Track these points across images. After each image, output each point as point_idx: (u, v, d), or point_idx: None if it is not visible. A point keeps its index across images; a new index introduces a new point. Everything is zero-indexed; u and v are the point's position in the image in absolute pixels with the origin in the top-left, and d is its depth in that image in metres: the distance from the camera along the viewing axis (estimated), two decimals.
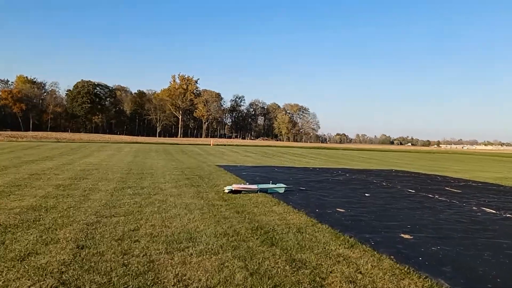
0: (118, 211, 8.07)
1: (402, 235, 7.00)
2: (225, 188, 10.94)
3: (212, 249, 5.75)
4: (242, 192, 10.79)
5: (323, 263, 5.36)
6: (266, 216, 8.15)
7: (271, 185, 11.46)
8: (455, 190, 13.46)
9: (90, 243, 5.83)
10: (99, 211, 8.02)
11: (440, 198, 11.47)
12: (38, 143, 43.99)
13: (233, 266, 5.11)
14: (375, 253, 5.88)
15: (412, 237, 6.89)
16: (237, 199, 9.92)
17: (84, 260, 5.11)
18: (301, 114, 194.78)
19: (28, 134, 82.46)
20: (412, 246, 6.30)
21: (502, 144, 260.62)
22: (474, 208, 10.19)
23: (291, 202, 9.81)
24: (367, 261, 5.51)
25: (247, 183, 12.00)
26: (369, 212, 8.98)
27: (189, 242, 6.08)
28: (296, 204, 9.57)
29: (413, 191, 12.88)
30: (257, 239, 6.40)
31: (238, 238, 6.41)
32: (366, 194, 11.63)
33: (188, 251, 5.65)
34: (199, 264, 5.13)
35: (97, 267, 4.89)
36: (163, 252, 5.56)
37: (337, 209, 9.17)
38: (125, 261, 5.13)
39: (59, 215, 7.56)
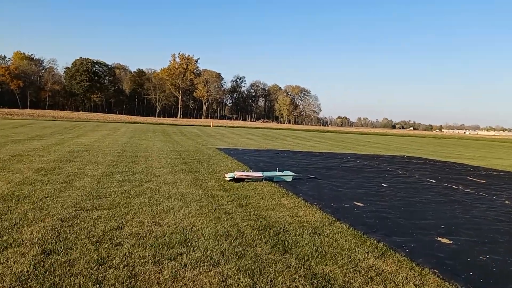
0: (102, 202, 6.91)
1: (439, 238, 5.85)
2: (226, 175, 9.77)
3: (211, 258, 4.60)
4: (245, 180, 9.62)
5: (352, 281, 4.20)
6: (275, 211, 6.99)
7: (277, 173, 10.28)
8: (479, 181, 12.29)
9: (60, 247, 4.67)
10: (80, 202, 6.86)
11: (466, 190, 10.32)
12: (32, 121, 42.71)
13: (238, 284, 3.95)
14: (414, 265, 4.72)
15: (451, 241, 5.74)
16: (240, 189, 8.75)
17: (47, 273, 3.96)
18: (303, 96, 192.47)
19: (25, 111, 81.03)
20: (455, 255, 5.14)
21: (504, 130, 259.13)
22: (507, 202, 9.05)
23: (301, 193, 8.65)
24: (406, 278, 4.36)
25: (251, 170, 10.83)
26: (392, 207, 7.82)
27: (183, 246, 4.93)
28: (307, 196, 8.40)
29: (434, 181, 11.71)
30: (266, 243, 5.24)
31: (243, 241, 5.25)
32: (383, 184, 10.47)
33: (181, 260, 4.49)
34: (194, 281, 3.97)
35: (61, 285, 3.73)
36: (150, 261, 4.40)
37: (355, 202, 8.01)
38: (100, 275, 3.98)
39: (32, 207, 6.39)
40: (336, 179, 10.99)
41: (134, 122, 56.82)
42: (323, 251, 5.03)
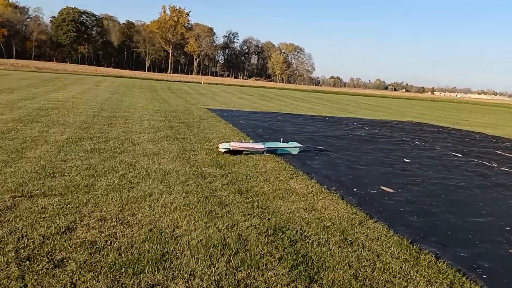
0: (56, 184, 5.16)
1: None
2: (220, 145, 8.02)
3: None
4: (244, 152, 7.89)
5: None
6: (285, 201, 5.32)
7: (282, 144, 8.56)
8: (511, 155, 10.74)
9: None
10: (25, 182, 5.11)
11: (503, 169, 8.75)
12: (11, 72, 40.03)
13: None
14: None
15: None
16: (237, 165, 7.04)
17: None
18: (296, 55, 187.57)
19: (9, 61, 77.34)
20: None
21: (495, 94, 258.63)
22: None
23: (313, 172, 6.97)
24: None
25: (250, 140, 9.09)
26: (430, 194, 6.21)
27: (158, 269, 3.26)
28: (321, 176, 6.74)
29: (461, 155, 10.11)
30: (280, 260, 3.60)
31: (247, 257, 3.59)
32: (406, 160, 8.85)
33: None
34: None
35: None
36: None
37: (382, 187, 6.38)
38: None
39: None
40: (349, 151, 9.32)
41: (121, 76, 54.13)
42: (367, 279, 3.40)
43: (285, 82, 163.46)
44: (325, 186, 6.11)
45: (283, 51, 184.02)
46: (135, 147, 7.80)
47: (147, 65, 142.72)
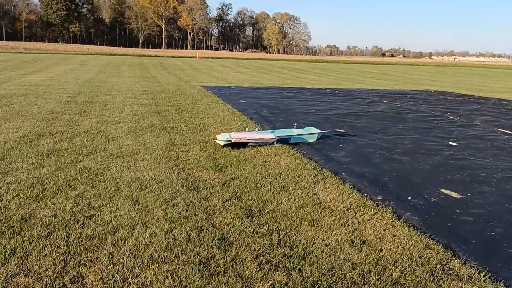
0: None
1: None
2: (218, 136, 6.25)
3: None
4: (249, 144, 6.13)
5: None
6: (316, 227, 3.58)
7: (296, 131, 6.77)
8: None
9: None
10: None
11: None
12: None
13: None
14: None
15: None
16: (241, 164, 5.28)
17: None
18: (292, 24, 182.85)
19: None
20: None
21: (494, 56, 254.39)
22: None
23: (343, 169, 5.24)
24: None
25: (256, 128, 7.31)
26: (510, 199, 4.48)
27: None
28: (354, 175, 5.01)
29: (511, 132, 8.36)
30: None
31: None
32: (451, 143, 7.09)
33: None
34: None
35: None
36: None
37: (442, 190, 4.64)
38: None
39: None
40: (377, 134, 7.55)
41: (112, 54, 51.65)
42: None
43: (282, 53, 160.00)
44: (366, 194, 4.38)
45: (278, 21, 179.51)
46: (108, 144, 6.02)
47: (140, 42, 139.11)
